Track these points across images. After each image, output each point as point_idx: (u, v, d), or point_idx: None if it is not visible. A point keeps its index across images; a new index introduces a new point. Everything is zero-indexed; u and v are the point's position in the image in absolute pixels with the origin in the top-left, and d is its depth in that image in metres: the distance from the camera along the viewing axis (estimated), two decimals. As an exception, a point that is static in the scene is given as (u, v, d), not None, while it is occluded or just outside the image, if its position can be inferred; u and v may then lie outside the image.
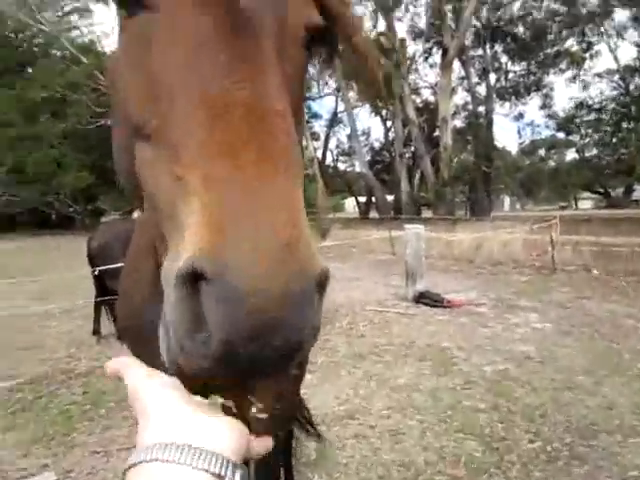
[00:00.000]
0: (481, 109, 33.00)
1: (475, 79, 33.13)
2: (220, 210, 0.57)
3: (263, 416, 1.40)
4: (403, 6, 30.26)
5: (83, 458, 3.65)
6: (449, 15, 26.18)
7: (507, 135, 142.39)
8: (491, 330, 6.68)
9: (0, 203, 32.81)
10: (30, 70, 38.61)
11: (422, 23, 32.15)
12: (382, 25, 30.28)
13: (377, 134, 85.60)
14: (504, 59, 33.96)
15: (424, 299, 8.20)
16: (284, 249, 0.55)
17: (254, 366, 0.57)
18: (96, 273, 6.44)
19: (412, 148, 32.74)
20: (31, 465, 3.58)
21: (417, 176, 33.21)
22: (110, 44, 32.21)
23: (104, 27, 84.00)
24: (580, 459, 3.41)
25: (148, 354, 1.21)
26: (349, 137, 39.10)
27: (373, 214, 36.02)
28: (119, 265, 6.17)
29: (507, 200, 67.68)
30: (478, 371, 5.14)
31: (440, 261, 13.64)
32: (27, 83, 32.86)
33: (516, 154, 48.06)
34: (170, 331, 0.61)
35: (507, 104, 35.90)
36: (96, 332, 6.82)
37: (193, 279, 0.55)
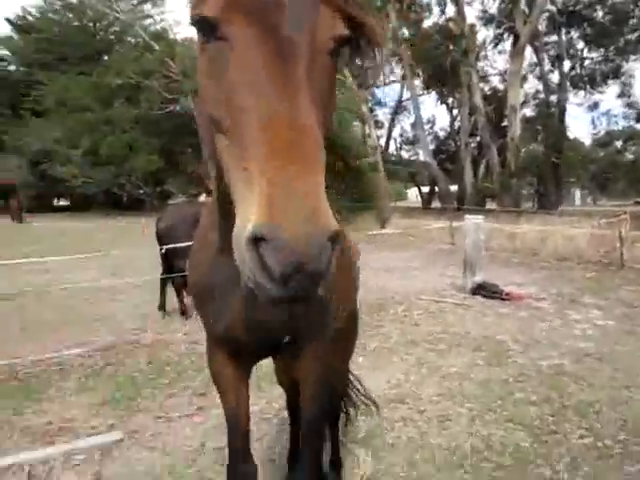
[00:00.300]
0: (553, 98, 31.62)
1: (548, 66, 31.72)
2: (270, 195, 0.87)
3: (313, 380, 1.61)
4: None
5: (146, 421, 3.93)
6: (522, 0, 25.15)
7: (580, 125, 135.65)
8: (550, 325, 6.54)
9: (76, 184, 34.61)
10: (106, 57, 40.38)
11: (493, 8, 31.08)
12: (451, 10, 29.53)
13: (442, 123, 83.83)
14: (580, 45, 32.27)
15: (482, 290, 8.11)
16: (311, 219, 0.87)
17: (298, 286, 0.88)
18: (163, 251, 6.80)
19: (478, 138, 31.87)
20: (100, 424, 3.90)
21: (482, 166, 32.31)
22: (180, 32, 33.20)
23: (175, 15, 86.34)
24: (633, 458, 3.34)
25: (212, 309, 1.51)
26: (413, 125, 38.40)
27: (436, 204, 35.46)
28: (184, 244, 6.50)
29: (578, 194, 64.75)
30: (533, 365, 5.08)
31: (502, 253, 13.35)
32: (103, 70, 34.36)
33: (589, 145, 45.84)
34: (246, 271, 0.92)
35: (581, 93, 34.19)
36: (162, 307, 7.19)
37: (255, 240, 0.87)
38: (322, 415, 1.85)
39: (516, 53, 24.99)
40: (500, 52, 34.08)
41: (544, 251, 12.61)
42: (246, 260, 0.90)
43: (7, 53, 45.69)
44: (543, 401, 4.21)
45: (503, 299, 7.82)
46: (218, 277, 1.60)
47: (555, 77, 32.44)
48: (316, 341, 1.81)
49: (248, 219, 0.88)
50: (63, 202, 51.65)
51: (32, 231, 23.99)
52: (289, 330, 1.71)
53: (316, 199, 0.88)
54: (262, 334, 1.67)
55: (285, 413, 3.39)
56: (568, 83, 32.13)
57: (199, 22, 1.06)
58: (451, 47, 29.23)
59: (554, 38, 31.29)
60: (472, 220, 8.61)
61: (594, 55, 32.61)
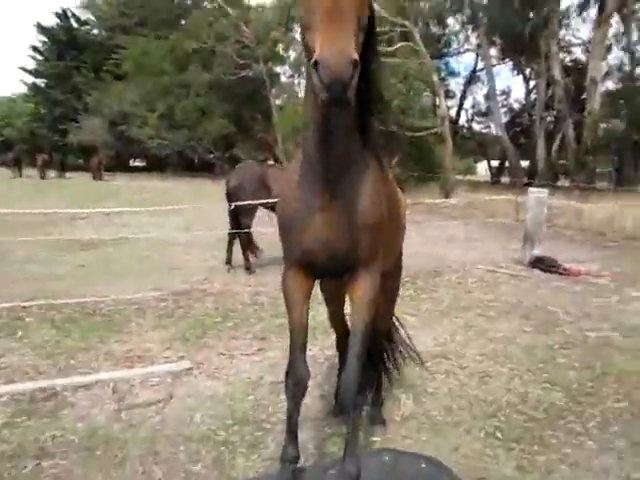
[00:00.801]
0: (639, 71, 29.68)
1: (635, 37, 29.69)
2: (322, 43, 1.49)
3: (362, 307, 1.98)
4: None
5: (212, 356, 4.41)
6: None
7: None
8: (605, 300, 6.54)
9: (152, 145, 36.13)
10: (183, 22, 41.31)
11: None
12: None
13: (517, 94, 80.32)
14: (675, 14, 29.94)
15: (540, 264, 8.12)
16: (340, 53, 1.46)
17: (335, 90, 1.48)
18: (232, 208, 7.27)
19: (554, 111, 30.55)
20: (172, 355, 4.42)
21: (557, 142, 31.05)
22: (256, -4, 33.38)
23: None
24: (665, 422, 3.48)
25: (293, 234, 2.05)
26: (487, 97, 37.23)
27: (505, 179, 34.52)
28: (251, 202, 6.94)
29: (662, 174, 60.80)
30: (581, 335, 5.18)
31: (568, 230, 13.07)
32: (180, 34, 35.28)
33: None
34: (314, 81, 1.53)
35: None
36: (228, 262, 7.71)
37: (315, 64, 1.49)
38: (367, 332, 2.17)
39: (601, 21, 23.64)
40: (584, 20, 32.23)
41: (612, 229, 12.25)
42: (313, 75, 1.52)
43: (91, 17, 47.71)
44: (585, 368, 4.35)
45: (561, 274, 7.81)
46: (299, 209, 2.07)
47: (643, 49, 30.37)
48: (371, 266, 2.14)
49: (314, 56, 1.50)
50: (138, 162, 54.04)
51: (112, 188, 25.45)
52: (349, 253, 2.06)
53: (344, 44, 1.47)
54: (330, 253, 2.05)
55: (335, 359, 3.77)
56: (658, 55, 30.04)
57: None
58: (531, 14, 27.96)
59: (646, 5, 29.16)
60: (535, 194, 8.55)
61: (691, 24, 30.17)
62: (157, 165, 44.53)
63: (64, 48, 44.77)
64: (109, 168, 36.81)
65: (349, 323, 2.44)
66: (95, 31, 47.72)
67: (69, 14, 46.46)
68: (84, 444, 3.05)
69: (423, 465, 2.25)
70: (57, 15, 45.95)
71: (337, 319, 3.20)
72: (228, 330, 5.08)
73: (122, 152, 45.39)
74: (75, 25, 47.00)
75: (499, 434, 3.25)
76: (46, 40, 46.13)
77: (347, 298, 3.01)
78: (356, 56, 1.48)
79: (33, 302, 5.70)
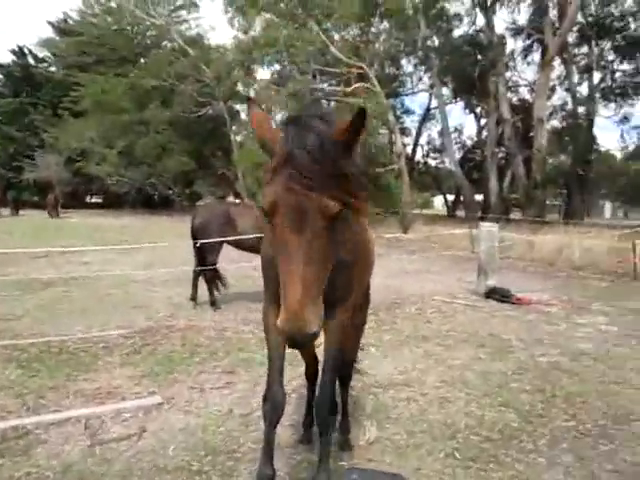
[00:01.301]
0: (581, 110, 31.56)
1: (576, 78, 31.68)
2: (282, 313, 1.68)
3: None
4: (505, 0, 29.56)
5: (182, 391, 4.51)
6: (552, 12, 25.32)
7: (607, 138, 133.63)
8: (554, 328, 6.94)
9: (111, 182, 35.83)
10: (143, 61, 41.62)
11: (522, 19, 31.29)
12: (481, 21, 29.81)
13: (470, 131, 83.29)
14: (611, 57, 32.15)
15: (494, 294, 8.53)
16: (298, 329, 1.64)
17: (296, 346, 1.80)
18: (198, 245, 7.42)
19: (505, 148, 32.02)
20: (142, 391, 4.49)
21: (508, 176, 32.46)
22: (213, 37, 34.12)
23: (209, 21, 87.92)
24: (608, 438, 3.77)
25: (270, 275, 2.11)
26: (440, 133, 38.72)
27: (461, 213, 35.65)
28: (216, 240, 7.12)
29: (608, 207, 63.88)
30: (532, 360, 5.52)
31: (520, 262, 13.69)
32: (139, 73, 35.53)
33: (619, 159, 45.41)
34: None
35: (611, 105, 33.98)
36: (193, 298, 7.80)
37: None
38: (339, 361, 2.42)
39: (544, 64, 25.24)
40: (529, 63, 34.18)
41: (561, 261, 12.91)
42: None
43: (49, 55, 47.44)
44: (536, 391, 4.66)
45: (514, 303, 8.23)
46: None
47: (584, 89, 32.39)
48: (343, 303, 2.39)
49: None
50: (95, 199, 53.25)
51: (69, 226, 25.04)
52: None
53: (305, 321, 1.63)
54: None
55: (303, 390, 3.95)
56: (598, 95, 32.07)
57: (262, 210, 1.78)
58: (479, 57, 29.55)
59: (584, 50, 31.27)
60: (487, 227, 9.04)
61: (626, 67, 32.42)
62: (115, 202, 44.02)
63: (20, 85, 44.24)
64: (65, 205, 36.18)
65: (320, 353, 2.67)
66: (53, 68, 47.40)
67: (26, 51, 46.12)
68: (59, 480, 3.11)
69: (388, 481, 2.44)
70: (13, 52, 45.55)
71: (308, 352, 3.40)
72: (196, 365, 5.18)
73: (79, 189, 44.73)
74: (32, 62, 46.61)
75: (457, 454, 3.48)
76: (1, 77, 45.55)
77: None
78: (315, 329, 1.64)
79: (-3, 342, 5.67)
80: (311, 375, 3.49)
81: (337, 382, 2.52)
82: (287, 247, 1.66)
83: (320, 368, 3.56)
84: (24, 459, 3.34)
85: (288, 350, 2.50)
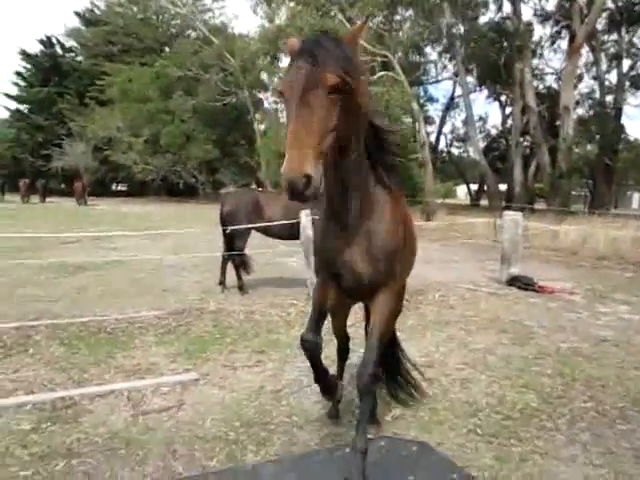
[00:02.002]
0: (609, 98, 30.99)
1: (605, 66, 31.07)
2: (284, 161, 1.93)
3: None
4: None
5: (215, 368, 4.75)
6: (580, -2, 24.84)
7: (636, 127, 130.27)
8: (576, 315, 7.03)
9: (136, 170, 36.45)
10: (167, 50, 42.05)
11: (550, 5, 30.74)
12: (508, 7, 29.40)
13: (494, 120, 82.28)
14: (642, 44, 31.40)
15: (516, 282, 8.62)
16: (293, 169, 1.90)
17: (294, 193, 1.94)
18: (227, 232, 7.66)
19: (530, 137, 31.65)
20: (177, 368, 4.75)
21: (533, 166, 32.10)
22: (237, 25, 34.27)
23: (233, 9, 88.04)
24: (626, 419, 3.90)
25: (324, 256, 2.67)
26: (465, 122, 38.44)
27: (484, 202, 35.41)
28: (244, 226, 7.34)
29: (636, 197, 62.62)
30: (553, 346, 5.63)
31: (543, 251, 13.68)
32: (165, 62, 35.94)
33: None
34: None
35: (640, 94, 33.23)
36: (221, 283, 8.05)
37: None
38: (384, 337, 2.65)
39: (572, 52, 24.80)
40: (556, 50, 33.64)
41: (585, 251, 12.87)
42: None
43: (75, 45, 48.21)
44: (556, 374, 4.79)
45: (536, 291, 8.31)
46: (327, 242, 2.63)
47: (612, 77, 31.79)
48: (390, 285, 2.63)
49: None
50: (121, 187, 54.18)
51: (97, 213, 25.64)
52: (370, 277, 2.55)
53: (298, 164, 1.89)
54: (350, 273, 2.56)
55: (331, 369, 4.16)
56: (627, 83, 31.44)
57: (279, 93, 2.19)
58: (505, 44, 29.18)
59: (613, 37, 30.64)
60: (511, 216, 9.10)
61: (657, 54, 31.66)
62: (140, 190, 44.76)
63: (48, 74, 45.13)
64: (92, 193, 36.95)
65: (366, 330, 3.05)
66: (79, 58, 48.20)
67: (54, 41, 46.95)
68: (107, 445, 3.37)
69: (415, 448, 2.64)
70: (41, 42, 46.42)
71: (340, 330, 3.61)
72: (227, 345, 5.42)
73: (105, 177, 45.55)
74: (60, 52, 47.45)
75: (479, 430, 3.65)
76: (30, 67, 46.44)
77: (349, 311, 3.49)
78: (308, 171, 1.89)
79: (40, 322, 5.98)
80: (341, 352, 3.70)
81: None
82: (291, 112, 1.99)
83: (350, 345, 3.80)
84: (73, 426, 3.61)
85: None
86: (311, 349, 2.72)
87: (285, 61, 32.80)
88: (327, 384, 3.01)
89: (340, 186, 2.41)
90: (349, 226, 2.48)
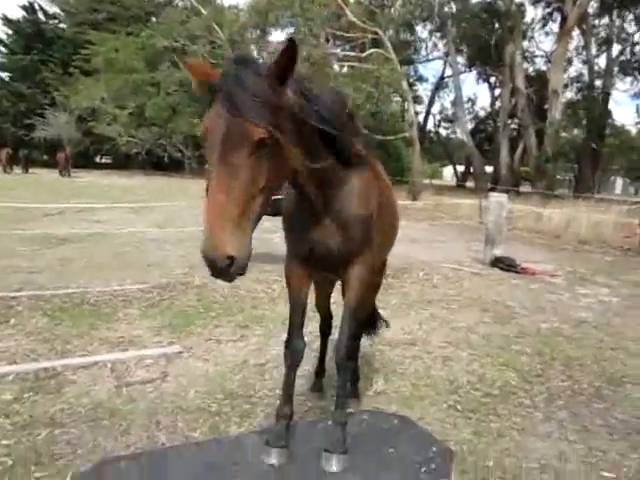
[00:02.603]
0: (597, 83, 31.10)
1: (594, 50, 31.11)
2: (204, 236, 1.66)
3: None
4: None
5: (199, 341, 4.77)
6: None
7: (623, 112, 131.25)
8: (557, 297, 7.15)
9: (121, 143, 35.91)
10: (154, 19, 41.12)
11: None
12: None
13: (483, 102, 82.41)
14: (632, 29, 31.45)
15: (499, 263, 8.72)
16: (216, 250, 1.63)
17: (215, 274, 1.72)
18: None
19: (518, 120, 31.71)
20: (161, 341, 4.76)
21: (519, 149, 32.24)
22: (226, -4, 33.66)
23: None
24: (602, 398, 4.00)
25: (292, 234, 2.29)
26: (453, 103, 38.33)
27: (470, 184, 35.58)
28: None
29: (619, 183, 63.35)
30: (534, 326, 5.73)
31: (527, 233, 13.85)
32: (151, 32, 35.17)
33: (635, 135, 44.80)
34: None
35: (628, 79, 33.42)
36: (207, 257, 8.01)
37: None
38: (358, 309, 2.59)
39: (562, 35, 24.78)
40: (547, 33, 33.56)
41: (567, 234, 13.05)
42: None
43: (59, 11, 46.93)
44: (536, 354, 4.88)
45: (519, 272, 8.42)
46: (296, 215, 2.48)
47: (601, 62, 31.86)
48: (363, 254, 2.50)
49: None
50: (105, 160, 53.35)
51: (80, 184, 25.29)
52: (340, 250, 2.42)
53: (220, 241, 1.63)
54: (319, 246, 2.42)
55: (313, 344, 4.19)
56: (616, 68, 31.53)
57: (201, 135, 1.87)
58: (497, 25, 29.03)
59: (604, 21, 30.63)
60: (496, 198, 9.16)
61: (647, 40, 31.75)
62: (125, 162, 44.14)
63: (31, 41, 43.91)
64: (75, 164, 36.35)
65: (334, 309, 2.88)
66: (63, 25, 46.95)
67: (36, 7, 45.66)
68: (91, 415, 3.38)
69: (396, 421, 2.68)
70: (24, 8, 45.09)
71: (323, 303, 3.62)
72: (212, 319, 5.43)
73: (89, 148, 44.81)
74: (43, 18, 46.17)
75: (459, 406, 3.72)
76: (11, 33, 45.18)
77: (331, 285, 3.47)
78: (232, 252, 1.64)
79: (22, 293, 5.93)
80: (325, 328, 3.72)
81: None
82: (212, 170, 1.71)
83: (334, 323, 3.81)
84: (57, 397, 3.61)
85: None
86: (296, 355, 2.61)
87: (275, 35, 32.37)
88: (287, 406, 2.61)
89: (303, 177, 2.17)
90: (322, 200, 2.33)
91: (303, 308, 2.65)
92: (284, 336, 2.66)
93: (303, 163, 2.06)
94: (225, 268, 1.67)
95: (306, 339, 2.71)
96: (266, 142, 1.73)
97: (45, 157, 45.81)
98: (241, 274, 1.75)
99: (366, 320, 3.83)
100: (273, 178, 1.82)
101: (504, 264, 8.66)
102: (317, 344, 4.05)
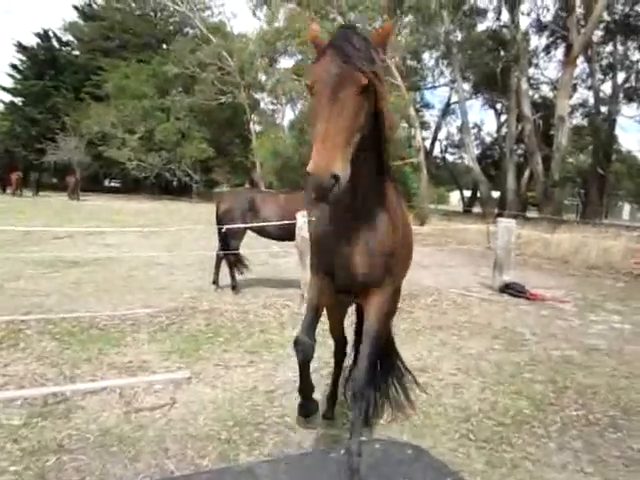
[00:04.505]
0: (603, 109, 31.25)
1: (599, 77, 31.31)
2: (312, 158, 1.91)
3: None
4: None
5: (208, 367, 4.73)
6: (578, 10, 25.02)
7: (629, 138, 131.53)
8: (568, 323, 7.07)
9: (130, 167, 36.29)
10: (165, 47, 41.91)
11: (548, 16, 30.89)
12: (505, 16, 29.55)
13: (489, 128, 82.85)
14: (636, 57, 31.70)
15: (508, 289, 8.66)
16: (322, 168, 1.88)
17: (317, 194, 1.93)
18: (223, 230, 7.65)
19: (524, 145, 31.81)
20: (170, 366, 4.73)
21: (526, 174, 32.26)
22: (237, 25, 34.28)
23: (231, 7, 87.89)
24: (617, 427, 3.93)
25: (319, 253, 2.35)
26: (460, 129, 38.58)
27: (477, 209, 35.56)
28: (241, 226, 7.33)
29: (627, 208, 63.14)
30: (545, 353, 5.66)
31: (535, 259, 13.76)
32: (161, 59, 35.83)
33: (640, 159, 44.79)
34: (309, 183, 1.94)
35: (634, 105, 33.53)
36: (215, 282, 8.02)
37: (308, 173, 1.91)
38: (378, 338, 2.60)
39: (568, 62, 24.96)
40: (551, 60, 33.90)
41: (576, 260, 12.96)
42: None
43: (72, 39, 47.95)
44: (548, 381, 4.81)
45: (528, 298, 8.35)
46: (327, 234, 2.60)
47: (607, 88, 32.05)
48: (384, 284, 2.57)
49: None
50: (114, 183, 53.87)
51: (89, 208, 25.48)
52: (365, 274, 2.50)
53: (327, 161, 1.87)
54: (344, 271, 2.51)
55: (323, 371, 4.14)
56: (621, 95, 31.69)
57: (307, 86, 2.18)
58: (502, 53, 29.34)
59: (608, 48, 30.91)
60: (504, 223, 9.14)
61: (651, 67, 31.94)
62: (133, 187, 44.54)
63: (44, 68, 44.76)
64: (84, 188, 36.67)
65: (349, 335, 2.88)
66: (76, 52, 47.92)
67: (50, 35, 46.65)
68: (99, 441, 3.35)
69: (409, 451, 2.63)
70: (38, 35, 46.09)
71: (337, 330, 3.62)
72: (220, 344, 5.41)
73: (98, 172, 45.28)
74: (57, 46, 47.16)
75: (471, 436, 3.66)
76: (25, 59, 46.11)
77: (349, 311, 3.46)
78: (337, 171, 1.87)
79: (31, 316, 5.94)
80: (339, 354, 3.70)
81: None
82: (322, 109, 1.98)
83: (349, 349, 3.78)
84: (65, 422, 3.58)
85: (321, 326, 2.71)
86: (305, 351, 2.64)
87: (282, 63, 32.86)
88: (308, 400, 2.80)
89: (350, 186, 2.28)
90: (352, 224, 2.45)
91: (318, 312, 2.70)
92: (294, 360, 2.66)
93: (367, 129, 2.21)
94: (329, 187, 1.88)
95: (315, 365, 2.70)
96: (368, 87, 2.04)
97: (55, 180, 46.35)
98: (338, 199, 1.98)
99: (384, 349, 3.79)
100: (366, 125, 2.11)
101: (513, 290, 8.60)
102: (327, 371, 4.02)
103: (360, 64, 2.01)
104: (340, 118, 1.95)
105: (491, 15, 30.95)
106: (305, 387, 2.75)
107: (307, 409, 2.77)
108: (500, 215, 20.55)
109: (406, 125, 25.91)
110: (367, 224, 2.46)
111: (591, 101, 32.65)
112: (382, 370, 3.72)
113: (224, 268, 8.03)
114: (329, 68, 2.02)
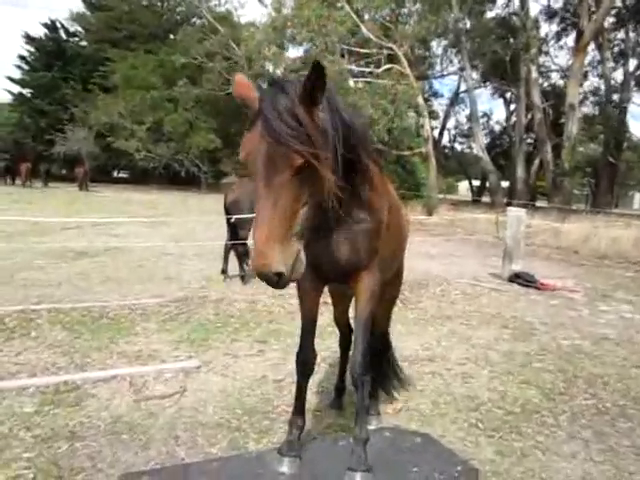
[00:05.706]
0: (614, 97, 30.88)
1: (610, 64, 30.94)
2: (253, 255, 1.81)
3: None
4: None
5: (217, 356, 4.76)
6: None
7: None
8: (577, 313, 7.04)
9: (138, 158, 36.34)
10: (172, 37, 41.77)
11: (559, 2, 30.53)
12: (515, 3, 29.24)
13: (498, 116, 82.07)
14: (648, 44, 31.26)
15: (518, 279, 8.63)
16: (263, 265, 1.76)
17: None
18: (232, 220, 7.66)
19: (534, 134, 31.55)
20: (180, 355, 4.76)
21: (536, 163, 32.04)
22: (244, 14, 34.08)
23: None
24: (627, 417, 3.91)
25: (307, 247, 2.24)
26: (469, 118, 38.34)
27: (486, 199, 35.39)
28: (249, 216, 7.33)
29: (638, 197, 62.57)
30: (555, 343, 5.64)
31: (545, 249, 13.70)
32: (169, 49, 35.72)
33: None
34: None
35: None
36: (224, 271, 8.04)
37: None
38: (370, 321, 2.58)
39: (578, 50, 24.71)
40: (562, 47, 33.50)
41: (586, 249, 12.88)
42: None
43: (79, 29, 47.90)
44: (558, 371, 4.80)
45: (538, 288, 8.32)
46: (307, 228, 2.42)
47: (618, 75, 31.68)
48: (370, 267, 2.52)
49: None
50: (122, 174, 53.99)
51: (98, 199, 25.59)
52: (348, 262, 2.46)
53: (269, 261, 1.75)
54: (327, 256, 2.44)
55: (330, 360, 4.15)
56: (632, 82, 31.31)
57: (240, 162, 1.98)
58: (512, 40, 29.04)
59: (620, 35, 30.51)
60: (514, 213, 9.09)
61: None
62: (141, 177, 44.57)
63: (52, 59, 44.75)
64: (93, 179, 36.77)
65: (352, 320, 2.87)
66: (84, 43, 47.88)
67: (58, 25, 46.62)
68: (110, 429, 3.38)
69: (418, 439, 2.64)
70: (45, 26, 46.05)
71: (341, 320, 3.64)
72: (229, 334, 5.43)
73: (106, 163, 45.36)
74: (64, 37, 47.13)
75: (480, 425, 3.66)
76: (33, 50, 46.14)
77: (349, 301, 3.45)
78: (279, 269, 1.76)
79: (42, 306, 5.99)
80: (344, 344, 3.70)
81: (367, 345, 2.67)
82: (259, 191, 1.83)
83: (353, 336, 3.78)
84: (76, 410, 3.62)
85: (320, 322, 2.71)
86: (308, 367, 2.67)
87: (292, 52, 32.65)
88: (299, 416, 2.71)
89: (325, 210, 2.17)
90: (331, 218, 2.29)
91: (313, 319, 2.69)
92: None
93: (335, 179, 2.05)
94: (275, 282, 1.81)
95: (324, 354, 2.69)
96: (304, 166, 1.82)
97: (64, 171, 46.50)
98: (289, 284, 1.88)
99: (383, 337, 3.78)
100: (313, 193, 1.92)
101: (523, 279, 8.56)
102: (335, 360, 4.03)
103: (292, 142, 1.79)
104: (277, 208, 1.79)
105: (501, 2, 30.75)
106: (300, 401, 2.73)
107: (297, 422, 2.68)
108: (509, 204, 20.45)
109: (414, 114, 25.75)
110: (349, 208, 2.34)
111: (602, 89, 32.24)
112: (376, 367, 3.73)
113: (233, 258, 8.04)
114: (260, 147, 1.83)
